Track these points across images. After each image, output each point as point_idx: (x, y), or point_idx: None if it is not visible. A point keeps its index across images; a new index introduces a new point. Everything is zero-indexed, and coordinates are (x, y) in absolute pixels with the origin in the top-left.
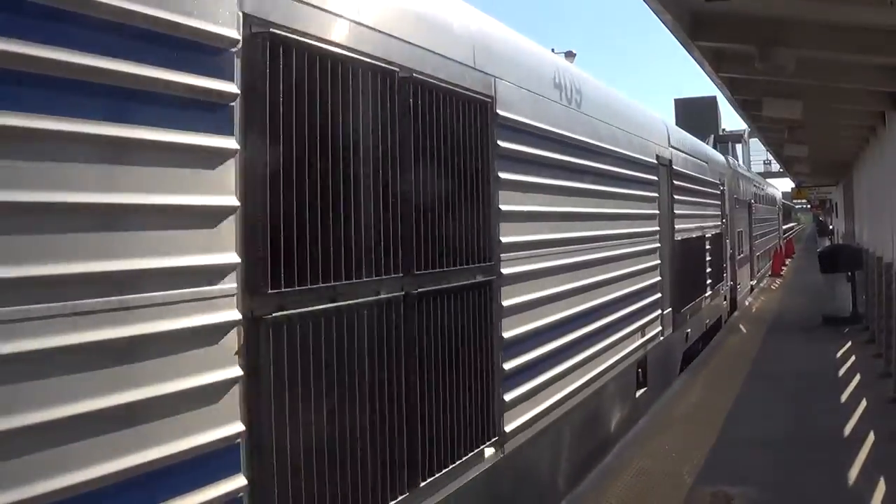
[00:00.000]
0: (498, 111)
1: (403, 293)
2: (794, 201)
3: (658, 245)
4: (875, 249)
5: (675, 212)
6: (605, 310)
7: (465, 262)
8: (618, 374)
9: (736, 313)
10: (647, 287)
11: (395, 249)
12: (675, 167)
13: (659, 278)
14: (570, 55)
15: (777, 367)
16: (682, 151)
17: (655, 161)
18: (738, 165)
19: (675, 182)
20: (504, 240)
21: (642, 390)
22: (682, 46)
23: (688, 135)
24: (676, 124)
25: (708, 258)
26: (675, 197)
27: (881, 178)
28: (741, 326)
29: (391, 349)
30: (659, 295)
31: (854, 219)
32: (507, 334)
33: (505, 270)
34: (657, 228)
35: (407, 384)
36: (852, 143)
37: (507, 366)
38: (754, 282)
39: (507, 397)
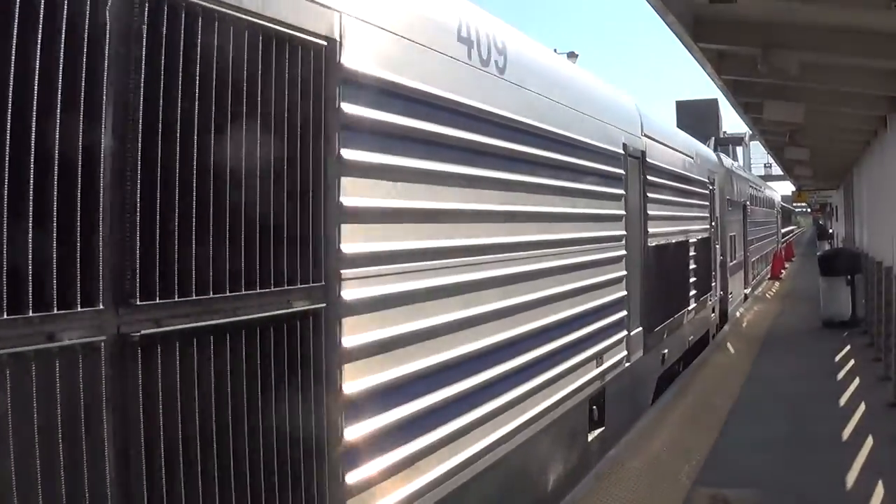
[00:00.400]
0: (343, 62)
1: (110, 336)
2: (795, 205)
3: (624, 252)
4: (875, 253)
5: (649, 213)
6: (539, 338)
7: (266, 282)
8: (558, 417)
9: (725, 327)
10: (606, 305)
11: (91, 264)
12: (649, 160)
13: (624, 293)
14: (572, 56)
15: (773, 371)
16: (660, 143)
17: (622, 151)
18: (733, 164)
19: (650, 178)
20: (348, 249)
21: (598, 431)
22: (684, 48)
23: (669, 124)
24: (678, 126)
25: (692, 266)
26: (650, 195)
27: (882, 181)
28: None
29: (81, 425)
30: (624, 313)
31: (854, 222)
32: (351, 389)
33: (349, 294)
34: (623, 232)
35: (130, 478)
36: (853, 146)
37: (353, 434)
38: (749, 290)
39: (353, 479)
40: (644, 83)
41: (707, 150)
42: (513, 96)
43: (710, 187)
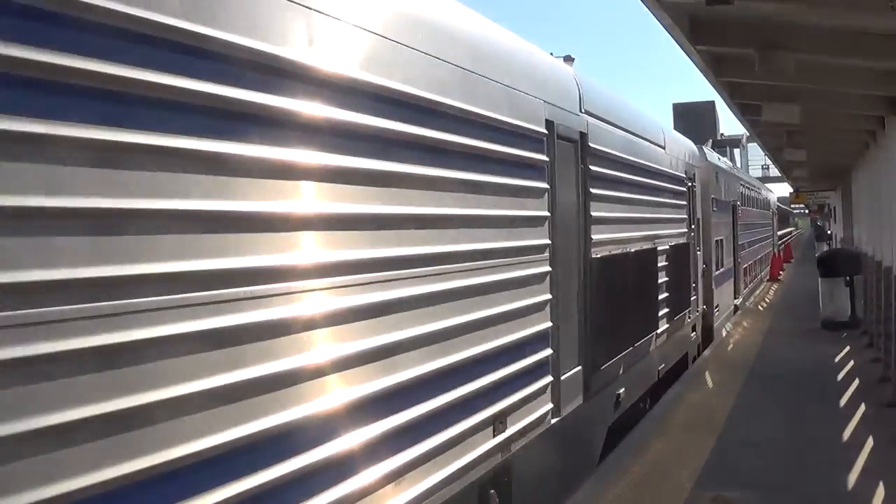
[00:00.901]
0: None
1: None
2: (793, 206)
3: (547, 269)
4: (874, 254)
5: (594, 214)
6: (366, 413)
7: None
8: None
9: (706, 352)
10: (513, 345)
11: None
12: (594, 146)
13: (547, 324)
14: (568, 59)
15: (770, 370)
16: (612, 124)
17: (543, 130)
18: (720, 159)
19: (595, 168)
20: None
21: None
22: (681, 50)
23: (626, 101)
24: (675, 129)
25: (663, 279)
26: (595, 192)
27: (880, 182)
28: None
29: None
30: (548, 352)
31: (852, 223)
32: None
33: None
34: (545, 241)
35: None
36: (851, 147)
37: None
38: (740, 300)
39: None
40: (641, 86)
41: (685, 141)
42: (332, 37)
43: (689, 184)
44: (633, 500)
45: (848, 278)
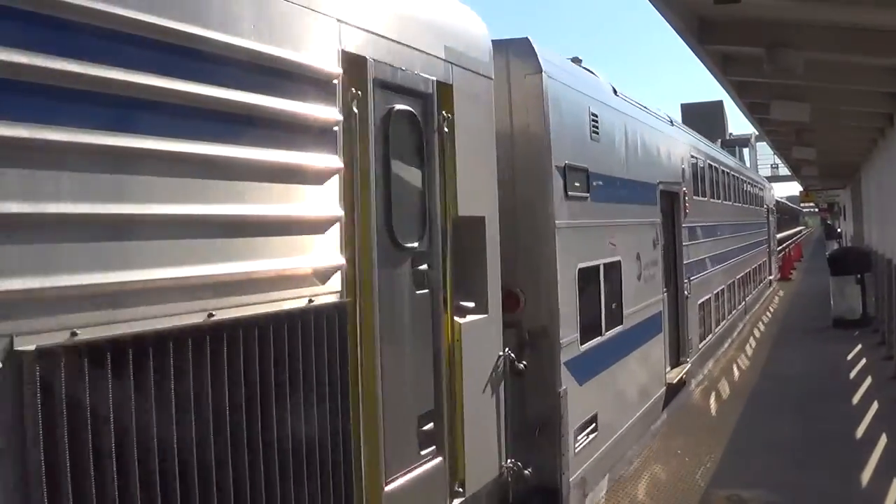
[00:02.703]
0: None
1: None
2: (802, 205)
3: None
4: (885, 251)
5: None
6: None
7: None
8: None
9: None
10: None
11: None
12: None
13: None
14: (576, 61)
15: None
16: None
17: None
18: (612, 87)
19: None
20: None
21: None
22: (689, 50)
23: None
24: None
25: None
26: None
27: (891, 179)
28: None
29: None
30: None
31: (862, 221)
32: None
33: None
34: None
35: None
36: (860, 144)
37: None
38: (687, 366)
39: None
40: (649, 86)
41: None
42: None
43: (400, 107)
44: None
45: (859, 276)
